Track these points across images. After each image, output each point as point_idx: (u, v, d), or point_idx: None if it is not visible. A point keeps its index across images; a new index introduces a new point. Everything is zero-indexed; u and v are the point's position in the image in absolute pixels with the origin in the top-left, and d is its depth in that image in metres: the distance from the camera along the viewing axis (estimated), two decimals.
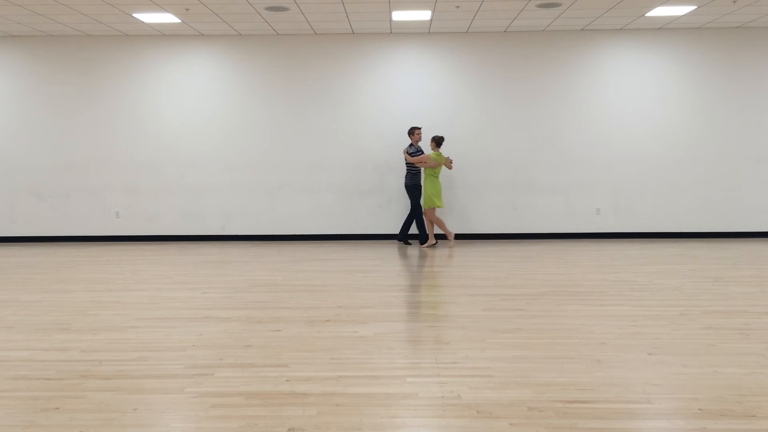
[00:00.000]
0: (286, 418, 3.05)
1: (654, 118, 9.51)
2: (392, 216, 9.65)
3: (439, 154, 8.74)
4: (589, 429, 2.91)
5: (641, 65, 9.46)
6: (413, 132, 8.95)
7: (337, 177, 9.64)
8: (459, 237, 9.65)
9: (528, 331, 4.55)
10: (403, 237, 9.23)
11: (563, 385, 3.44)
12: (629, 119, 9.52)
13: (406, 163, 8.98)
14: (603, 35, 9.44)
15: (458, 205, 9.66)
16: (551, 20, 8.70)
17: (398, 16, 8.34)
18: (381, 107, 9.54)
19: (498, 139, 9.57)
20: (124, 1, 7.50)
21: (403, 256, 8.28)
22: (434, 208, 8.87)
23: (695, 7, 8.05)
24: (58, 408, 3.20)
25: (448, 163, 8.88)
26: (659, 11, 8.25)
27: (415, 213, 9.08)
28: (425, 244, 8.99)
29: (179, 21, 8.51)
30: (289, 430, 2.92)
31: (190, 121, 9.62)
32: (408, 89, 9.53)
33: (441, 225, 9.00)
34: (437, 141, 8.78)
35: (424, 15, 8.32)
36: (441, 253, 8.45)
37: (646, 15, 8.47)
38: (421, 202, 8.95)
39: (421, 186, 8.95)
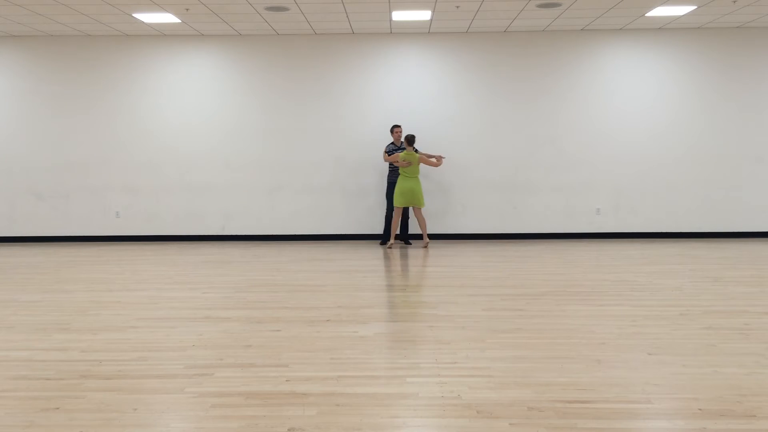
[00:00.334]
0: (286, 418, 3.05)
1: (654, 118, 9.51)
2: None
3: (410, 153, 8.65)
4: (589, 429, 2.91)
5: (641, 65, 9.46)
6: (392, 130, 8.96)
7: (337, 177, 9.64)
8: (459, 237, 9.66)
9: (528, 331, 4.55)
10: (397, 237, 9.17)
11: (563, 385, 3.44)
12: (629, 119, 9.52)
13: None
14: (603, 35, 9.44)
15: (458, 205, 9.66)
16: (551, 20, 8.70)
17: (398, 16, 8.34)
18: (381, 107, 9.53)
19: (498, 139, 9.57)
20: (124, 1, 7.50)
21: (403, 256, 8.28)
22: (399, 207, 8.76)
23: (695, 7, 8.05)
24: (58, 408, 3.20)
25: (428, 160, 8.67)
26: (659, 11, 8.25)
27: (387, 210, 9.12)
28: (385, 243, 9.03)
29: (179, 21, 8.51)
30: (289, 430, 2.92)
31: (190, 121, 9.62)
32: (408, 89, 9.53)
33: (394, 225, 8.85)
34: (408, 140, 8.67)
35: (424, 15, 8.32)
36: (441, 253, 8.45)
37: (646, 15, 8.47)
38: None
39: (394, 184, 8.91)
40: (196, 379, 3.60)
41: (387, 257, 8.14)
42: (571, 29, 9.34)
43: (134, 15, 8.18)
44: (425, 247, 8.82)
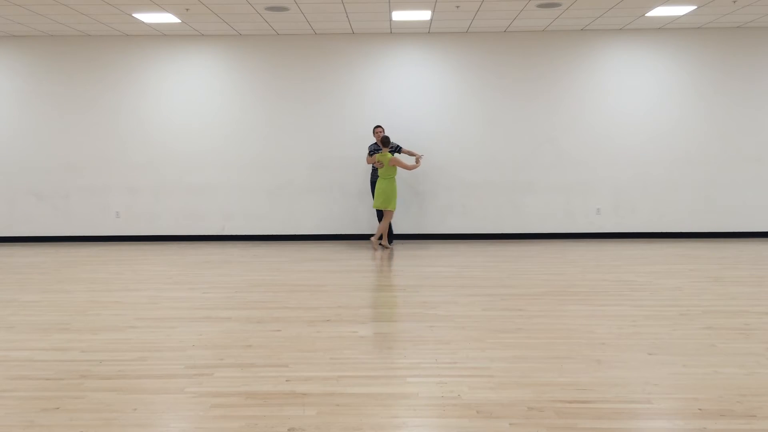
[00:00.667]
0: (286, 418, 3.05)
1: (654, 118, 9.51)
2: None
3: (383, 155, 8.58)
4: (589, 429, 2.91)
5: (641, 65, 9.46)
6: (374, 130, 8.95)
7: (337, 177, 9.64)
8: (458, 237, 9.66)
9: (528, 331, 4.55)
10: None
11: (563, 385, 3.44)
12: (629, 119, 9.52)
13: None
14: (603, 35, 9.44)
15: (458, 205, 9.66)
16: (551, 20, 8.70)
17: (398, 16, 8.34)
18: (381, 107, 9.53)
19: (498, 138, 9.57)
20: (124, 1, 7.50)
21: (403, 256, 8.28)
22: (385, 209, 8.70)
23: (695, 7, 8.05)
24: (58, 408, 3.20)
25: (402, 163, 8.49)
26: (659, 11, 8.25)
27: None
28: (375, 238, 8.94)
29: (179, 21, 8.51)
30: (289, 430, 2.92)
31: (190, 121, 9.62)
32: (408, 89, 9.53)
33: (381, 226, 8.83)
34: (383, 141, 8.56)
35: (424, 15, 8.32)
36: (441, 253, 8.45)
37: (646, 15, 8.47)
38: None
39: (374, 184, 8.88)
40: (196, 379, 3.60)
41: (387, 257, 8.14)
42: (571, 29, 9.34)
43: (134, 15, 8.18)
44: (374, 247, 8.67)
